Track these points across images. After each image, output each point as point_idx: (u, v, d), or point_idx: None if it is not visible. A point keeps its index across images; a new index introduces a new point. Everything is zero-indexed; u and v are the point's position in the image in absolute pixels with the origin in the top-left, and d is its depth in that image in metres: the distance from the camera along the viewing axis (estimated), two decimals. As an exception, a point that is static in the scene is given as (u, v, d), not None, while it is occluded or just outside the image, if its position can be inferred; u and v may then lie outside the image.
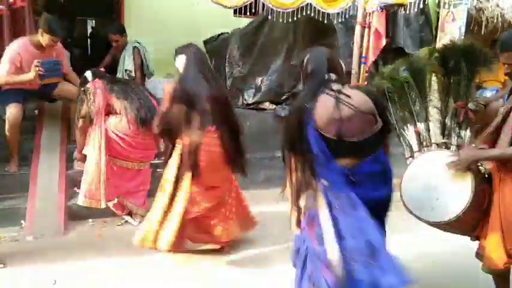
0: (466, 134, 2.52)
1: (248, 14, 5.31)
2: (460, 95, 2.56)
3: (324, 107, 1.90)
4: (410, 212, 2.41)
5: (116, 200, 3.62)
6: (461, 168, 2.24)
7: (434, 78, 2.67)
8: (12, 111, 3.65)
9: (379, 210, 2.03)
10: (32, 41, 3.63)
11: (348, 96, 1.91)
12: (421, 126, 2.60)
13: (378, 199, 2.01)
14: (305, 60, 2.10)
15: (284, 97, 5.17)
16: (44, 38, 3.55)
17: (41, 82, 3.61)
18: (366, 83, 4.72)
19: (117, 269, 2.90)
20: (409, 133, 2.63)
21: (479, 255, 2.36)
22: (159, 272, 2.89)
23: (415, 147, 2.58)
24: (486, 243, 2.30)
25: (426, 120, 2.60)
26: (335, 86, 1.96)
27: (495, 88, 5.22)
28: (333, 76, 2.00)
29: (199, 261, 3.05)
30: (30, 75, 3.45)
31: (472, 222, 2.33)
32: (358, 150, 1.95)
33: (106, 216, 3.69)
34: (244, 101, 5.10)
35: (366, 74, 4.68)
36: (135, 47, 4.89)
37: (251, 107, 5.08)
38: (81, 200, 3.47)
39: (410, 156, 2.59)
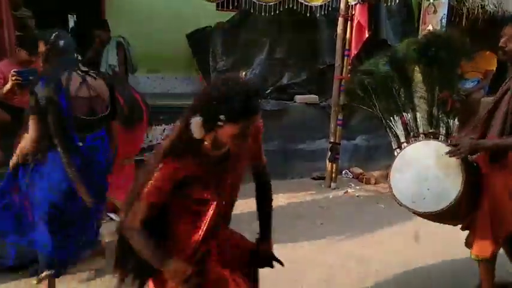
0: (454, 123, 2.53)
1: (231, 7, 5.29)
2: (444, 85, 2.57)
3: (73, 84, 2.34)
4: (400, 204, 2.41)
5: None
6: (460, 156, 2.24)
7: (417, 68, 2.68)
8: None
9: (99, 172, 2.57)
10: (13, 59, 3.77)
11: (94, 79, 2.45)
12: (407, 116, 2.60)
13: (98, 163, 2.52)
14: (53, 37, 2.40)
15: (268, 91, 5.17)
16: (20, 54, 3.67)
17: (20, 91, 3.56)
18: (349, 75, 4.75)
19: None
20: (396, 124, 2.63)
21: (469, 243, 2.41)
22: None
23: (403, 138, 2.58)
24: (475, 232, 2.35)
25: (413, 110, 2.60)
26: (83, 68, 2.46)
27: (476, 79, 5.30)
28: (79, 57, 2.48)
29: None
30: (7, 86, 3.44)
31: (463, 211, 2.36)
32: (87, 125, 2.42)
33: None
34: (228, 95, 5.08)
35: (349, 67, 4.70)
36: (119, 41, 4.83)
37: (235, 101, 5.06)
38: None
39: (398, 147, 2.60)
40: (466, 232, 2.47)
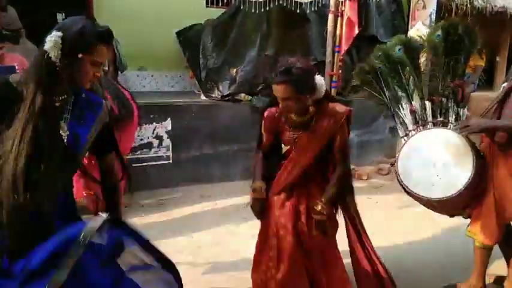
0: (464, 112, 2.53)
1: (220, 4, 5.26)
2: (457, 74, 2.57)
3: None
4: (408, 192, 2.40)
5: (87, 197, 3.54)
6: (470, 131, 2.25)
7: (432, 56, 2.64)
8: None
9: None
10: None
11: None
12: (416, 104, 2.58)
13: None
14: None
15: (259, 88, 5.16)
16: None
17: None
18: (340, 71, 4.76)
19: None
20: (405, 112, 2.61)
21: (471, 232, 2.44)
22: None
23: (410, 126, 2.57)
24: (480, 219, 2.38)
25: (422, 98, 2.58)
26: None
27: (468, 74, 5.34)
28: None
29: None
30: None
31: (468, 199, 2.37)
32: None
33: (79, 213, 3.62)
34: (220, 93, 5.06)
35: (340, 63, 4.72)
36: (108, 39, 4.78)
37: (227, 98, 5.04)
38: None
39: (405, 135, 2.58)
40: (457, 223, 2.50)
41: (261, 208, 2.19)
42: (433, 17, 5.16)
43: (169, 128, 4.51)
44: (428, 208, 2.53)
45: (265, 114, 2.21)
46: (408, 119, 2.58)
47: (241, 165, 4.74)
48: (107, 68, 4.72)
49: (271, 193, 2.19)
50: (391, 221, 3.77)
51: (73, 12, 5.60)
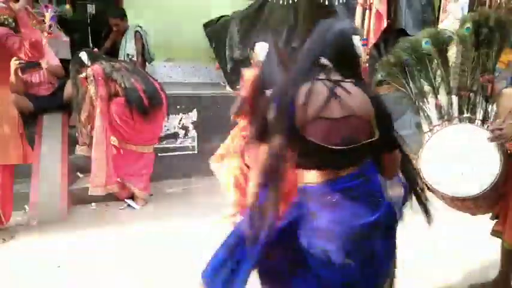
0: (493, 108, 2.42)
1: (248, -4, 5.27)
2: (487, 68, 2.47)
3: (312, 99, 1.44)
4: (429, 189, 2.32)
5: (117, 184, 3.65)
6: (504, 140, 2.16)
7: (455, 50, 2.53)
8: None
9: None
10: None
11: (348, 93, 1.47)
12: (442, 99, 2.50)
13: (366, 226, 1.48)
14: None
15: (285, 80, 5.16)
16: None
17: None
18: (366, 65, 4.69)
19: (118, 252, 2.95)
20: (430, 107, 2.53)
21: (498, 232, 2.37)
22: (156, 255, 2.93)
23: (435, 121, 2.49)
24: (507, 218, 2.30)
25: (448, 93, 2.50)
26: (334, 76, 1.50)
27: (499, 70, 5.18)
28: (327, 62, 1.51)
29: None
30: (12, 70, 3.56)
31: (494, 198, 2.30)
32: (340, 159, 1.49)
33: (108, 200, 3.74)
34: (245, 85, 5.08)
35: (367, 57, 4.65)
36: (137, 31, 4.86)
37: (252, 90, 5.06)
38: (92, 190, 3.53)
39: (429, 130, 2.51)
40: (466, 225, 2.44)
41: None
42: (465, 10, 5.01)
43: (195, 118, 4.57)
44: (451, 207, 2.48)
45: None
46: (433, 114, 2.50)
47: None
48: (135, 59, 4.82)
49: None
50: (414, 216, 3.72)
51: (103, 3, 5.75)
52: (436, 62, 2.54)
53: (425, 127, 2.54)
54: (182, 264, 2.83)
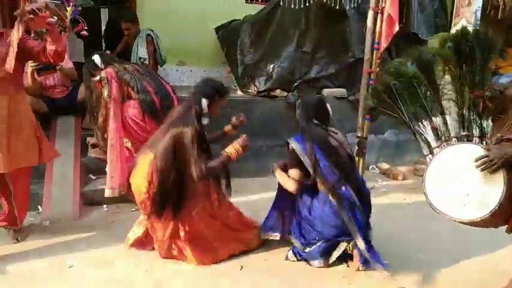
0: (488, 123, 2.40)
1: (260, 0, 5.29)
2: (475, 84, 2.43)
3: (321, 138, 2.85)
4: (439, 212, 2.28)
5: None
6: (495, 167, 2.09)
7: (446, 68, 2.57)
8: None
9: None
10: None
11: (335, 133, 2.94)
12: (437, 120, 2.49)
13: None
14: (297, 103, 2.98)
15: (295, 84, 5.16)
16: None
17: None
18: (378, 69, 4.68)
19: (129, 254, 2.97)
20: (426, 129, 2.51)
21: None
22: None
23: (434, 144, 2.46)
24: None
25: (442, 114, 2.49)
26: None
27: (511, 74, 5.13)
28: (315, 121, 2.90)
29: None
30: (28, 73, 3.63)
31: (507, 213, 2.21)
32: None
33: (120, 202, 3.77)
34: (256, 88, 5.10)
35: (379, 61, 4.63)
36: (149, 34, 4.91)
37: (262, 94, 5.08)
38: (108, 192, 3.57)
39: (429, 153, 2.48)
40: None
41: None
42: (478, 14, 4.97)
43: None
44: (469, 225, 2.41)
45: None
46: (430, 136, 2.48)
47: (275, 161, 4.76)
48: (147, 63, 4.87)
49: None
50: (425, 221, 3.70)
51: (116, 7, 5.82)
52: (423, 83, 2.53)
53: (424, 151, 2.51)
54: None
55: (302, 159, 2.78)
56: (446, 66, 2.53)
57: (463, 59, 2.47)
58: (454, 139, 2.42)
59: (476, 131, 2.40)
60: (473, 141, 2.38)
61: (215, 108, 2.81)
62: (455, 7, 5.17)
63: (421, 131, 2.54)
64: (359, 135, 4.76)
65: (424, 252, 3.14)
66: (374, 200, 4.23)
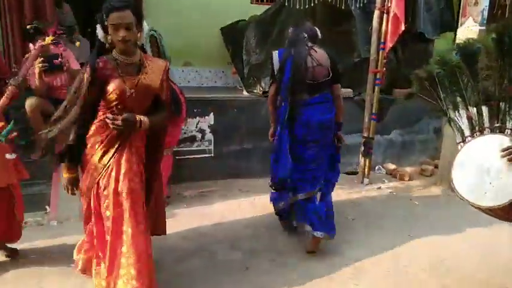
0: None
1: (265, 0, 5.30)
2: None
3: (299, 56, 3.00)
4: (461, 198, 2.35)
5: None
6: None
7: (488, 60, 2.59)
8: (27, 102, 3.82)
9: (324, 128, 3.10)
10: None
11: (315, 52, 3.06)
12: (473, 110, 2.52)
13: (323, 120, 3.07)
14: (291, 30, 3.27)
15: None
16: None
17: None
18: (384, 69, 4.67)
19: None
20: (461, 118, 2.56)
21: None
22: (175, 255, 2.96)
23: (467, 132, 2.51)
24: None
25: (478, 104, 2.51)
26: (309, 44, 3.08)
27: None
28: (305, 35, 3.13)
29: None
30: (36, 73, 3.63)
31: None
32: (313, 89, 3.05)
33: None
34: (261, 89, 5.10)
35: (385, 60, 4.63)
36: (152, 35, 4.92)
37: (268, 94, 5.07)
38: None
39: (462, 141, 2.52)
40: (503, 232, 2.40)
41: None
42: (485, 13, 4.94)
43: (212, 122, 4.61)
44: (487, 214, 2.45)
45: (99, 64, 2.13)
46: (465, 125, 2.52)
47: (280, 161, 4.77)
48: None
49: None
50: (431, 223, 3.69)
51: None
52: (465, 73, 2.55)
53: (457, 138, 2.55)
54: (198, 262, 2.87)
55: (274, 68, 3.14)
56: (487, 59, 2.54)
57: (505, 52, 2.46)
58: (487, 129, 2.45)
59: (509, 124, 2.42)
60: (505, 133, 2.39)
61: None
62: (461, 6, 5.13)
63: (456, 119, 2.58)
64: (365, 135, 4.76)
65: (432, 251, 3.13)
66: (380, 201, 4.25)
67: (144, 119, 2.16)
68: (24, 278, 2.67)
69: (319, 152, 3.13)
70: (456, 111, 2.58)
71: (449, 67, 2.59)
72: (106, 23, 2.06)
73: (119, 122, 2.07)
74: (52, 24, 4.32)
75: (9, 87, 2.70)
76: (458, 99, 2.58)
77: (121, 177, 2.20)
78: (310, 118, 3.05)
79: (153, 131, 2.32)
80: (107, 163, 2.22)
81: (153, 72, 2.22)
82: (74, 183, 2.32)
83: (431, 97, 2.72)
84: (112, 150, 2.22)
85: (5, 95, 2.66)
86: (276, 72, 3.14)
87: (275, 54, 3.21)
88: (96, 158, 2.22)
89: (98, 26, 2.10)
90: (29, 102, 3.83)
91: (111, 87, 2.11)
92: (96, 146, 2.23)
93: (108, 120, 2.10)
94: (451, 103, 2.61)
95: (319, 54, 3.10)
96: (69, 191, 2.35)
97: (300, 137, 3.07)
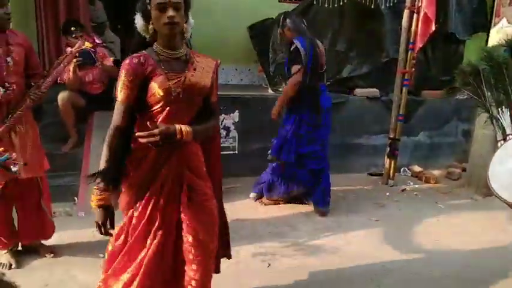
0: None
1: (294, -1, 5.28)
2: None
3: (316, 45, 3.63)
4: (497, 196, 2.33)
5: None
6: None
7: None
8: (59, 96, 3.94)
9: (328, 111, 3.75)
10: None
11: (317, 42, 3.68)
12: None
13: (330, 106, 3.77)
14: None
15: (328, 83, 5.13)
16: None
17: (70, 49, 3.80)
18: (413, 70, 4.60)
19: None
20: (504, 116, 2.51)
21: None
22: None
23: (509, 130, 2.47)
24: None
25: None
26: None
27: None
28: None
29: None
30: (70, 69, 3.74)
31: None
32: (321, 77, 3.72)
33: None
34: (287, 87, 5.10)
35: (413, 61, 4.55)
36: (180, 32, 4.98)
37: (293, 93, 5.07)
38: None
39: (502, 139, 2.50)
40: None
41: None
42: (520, 14, 4.79)
43: (237, 119, 4.64)
44: None
45: (128, 63, 1.71)
46: (507, 123, 2.48)
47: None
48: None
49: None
50: (457, 228, 3.62)
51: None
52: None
53: (498, 136, 2.52)
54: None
55: (301, 53, 3.44)
56: None
57: None
58: None
59: None
60: None
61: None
62: (495, 6, 5.00)
63: (498, 116, 2.54)
64: (391, 136, 4.70)
65: (459, 257, 3.08)
66: (404, 203, 4.19)
67: (186, 128, 1.70)
68: (53, 265, 2.76)
69: (326, 134, 3.75)
70: (499, 109, 2.53)
71: (496, 63, 2.55)
72: (149, 6, 1.70)
73: (156, 138, 1.63)
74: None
75: (28, 99, 2.58)
76: (502, 96, 2.53)
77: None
78: (322, 104, 3.64)
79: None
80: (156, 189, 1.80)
81: (203, 69, 1.84)
82: (107, 218, 1.86)
83: (475, 93, 2.67)
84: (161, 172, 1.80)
85: (20, 109, 2.56)
86: (303, 58, 3.46)
87: (297, 41, 3.50)
88: (142, 178, 1.82)
89: (137, 15, 1.76)
90: (61, 96, 3.96)
91: (154, 86, 1.70)
92: (139, 165, 1.81)
93: (143, 140, 1.64)
94: (495, 100, 2.57)
95: (320, 44, 3.67)
96: (102, 230, 1.87)
97: (312, 121, 3.61)
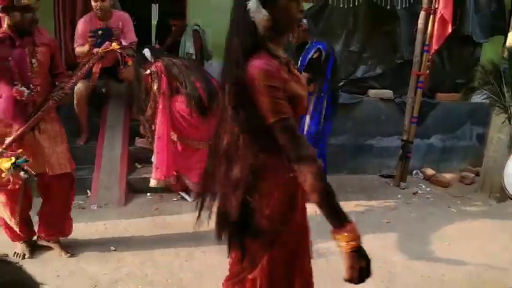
0: None
1: (309, -2, 5.25)
2: None
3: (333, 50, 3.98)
4: (509, 195, 2.39)
5: (174, 177, 3.78)
6: None
7: None
8: (78, 86, 3.87)
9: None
10: (95, 13, 3.91)
11: None
12: None
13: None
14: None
15: (341, 83, 5.10)
16: (92, 4, 3.84)
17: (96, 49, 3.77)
18: (427, 72, 4.55)
19: (171, 240, 3.07)
20: None
21: None
22: (206, 243, 3.01)
23: None
24: None
25: None
26: None
27: None
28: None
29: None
30: (86, 47, 3.69)
31: None
32: None
33: (163, 191, 3.89)
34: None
35: (428, 63, 4.50)
36: (195, 29, 5.00)
37: (307, 92, 5.06)
38: (153, 183, 3.65)
39: None
40: None
41: None
42: (540, 17, 4.72)
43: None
44: None
45: (266, 68, 1.29)
46: None
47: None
48: (195, 58, 4.97)
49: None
50: (469, 233, 3.58)
51: (168, 3, 5.95)
52: None
53: None
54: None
55: (321, 58, 3.66)
56: None
57: None
58: None
59: None
60: None
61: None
62: (514, 9, 4.93)
63: None
64: (404, 138, 4.66)
65: (471, 260, 3.04)
66: (416, 206, 4.15)
67: None
68: (64, 257, 2.80)
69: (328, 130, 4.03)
70: None
71: None
72: None
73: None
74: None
75: (51, 100, 2.57)
76: None
77: None
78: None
79: None
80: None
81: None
82: None
83: (494, 92, 2.65)
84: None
85: (42, 109, 2.55)
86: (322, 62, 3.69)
87: (321, 45, 3.71)
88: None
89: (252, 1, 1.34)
90: (79, 90, 3.94)
91: (294, 97, 1.35)
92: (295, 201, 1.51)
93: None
94: None
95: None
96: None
97: (329, 119, 3.92)
